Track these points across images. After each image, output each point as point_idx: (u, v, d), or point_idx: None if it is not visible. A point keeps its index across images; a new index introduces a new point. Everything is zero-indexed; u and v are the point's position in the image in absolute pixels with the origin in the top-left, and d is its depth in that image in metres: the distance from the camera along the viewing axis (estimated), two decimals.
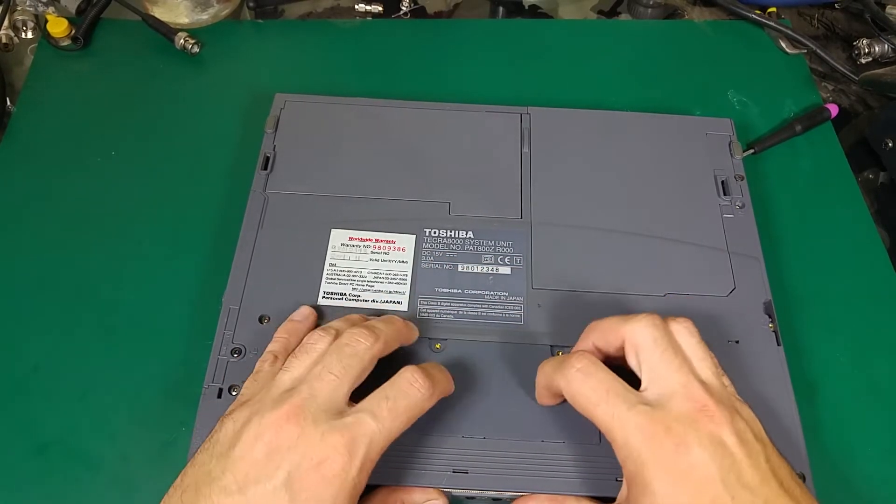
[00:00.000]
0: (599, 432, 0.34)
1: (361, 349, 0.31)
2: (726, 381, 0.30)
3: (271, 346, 0.34)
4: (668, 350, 0.29)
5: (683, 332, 0.31)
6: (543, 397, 0.34)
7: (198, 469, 0.28)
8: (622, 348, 0.31)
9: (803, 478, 0.33)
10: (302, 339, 0.33)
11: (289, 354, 0.32)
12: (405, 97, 0.46)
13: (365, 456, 0.28)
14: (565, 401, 0.31)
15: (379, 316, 0.36)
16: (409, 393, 0.30)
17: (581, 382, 0.29)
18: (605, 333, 0.31)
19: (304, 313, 0.36)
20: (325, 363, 0.30)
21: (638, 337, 0.30)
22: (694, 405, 0.28)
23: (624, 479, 0.29)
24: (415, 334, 0.35)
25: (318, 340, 0.32)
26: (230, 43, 0.52)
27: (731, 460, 0.26)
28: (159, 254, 0.42)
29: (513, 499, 0.33)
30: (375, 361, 0.32)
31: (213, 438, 0.29)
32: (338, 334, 0.32)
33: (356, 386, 0.30)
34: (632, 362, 0.30)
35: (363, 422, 0.28)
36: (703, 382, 0.29)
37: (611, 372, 0.30)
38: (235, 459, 0.27)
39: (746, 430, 0.28)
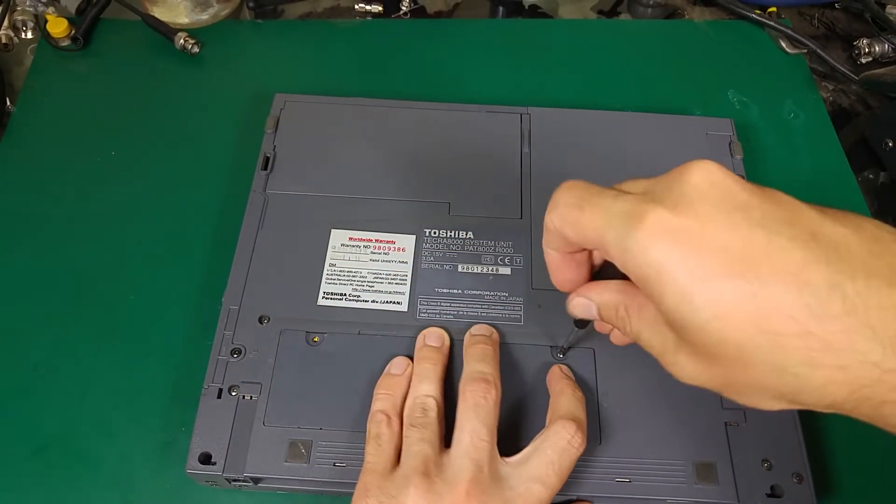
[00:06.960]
0: (600, 432, 0.34)
1: (491, 403, 0.31)
2: None
3: (379, 406, 0.33)
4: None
5: None
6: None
7: None
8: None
9: (801, 478, 0.33)
10: (405, 392, 0.33)
11: (399, 412, 0.32)
12: (405, 97, 0.46)
13: None
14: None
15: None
16: (569, 452, 0.30)
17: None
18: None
19: (402, 366, 0.35)
20: (472, 430, 0.30)
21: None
22: None
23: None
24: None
25: (429, 404, 0.32)
26: (230, 43, 0.52)
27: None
28: (159, 254, 0.42)
29: None
30: None
31: None
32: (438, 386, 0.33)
33: None
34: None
35: (534, 492, 0.29)
36: None
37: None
38: None
39: None
